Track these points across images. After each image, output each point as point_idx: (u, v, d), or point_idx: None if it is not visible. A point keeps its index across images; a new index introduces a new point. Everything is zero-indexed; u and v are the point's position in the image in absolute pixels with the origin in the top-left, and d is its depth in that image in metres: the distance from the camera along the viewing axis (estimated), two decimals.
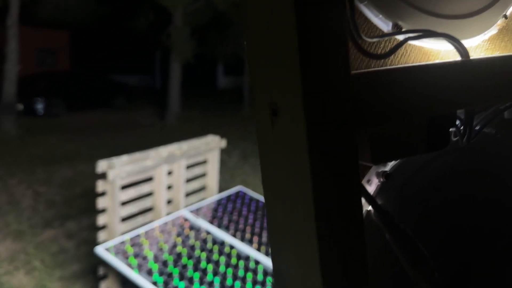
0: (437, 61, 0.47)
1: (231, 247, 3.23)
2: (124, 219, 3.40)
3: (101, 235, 3.18)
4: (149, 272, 2.79)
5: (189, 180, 4.02)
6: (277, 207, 0.40)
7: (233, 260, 3.09)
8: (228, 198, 4.01)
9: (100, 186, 3.10)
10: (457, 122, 0.51)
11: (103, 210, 3.18)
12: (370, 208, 0.46)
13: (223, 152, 8.02)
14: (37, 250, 4.33)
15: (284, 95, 0.35)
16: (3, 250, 4.33)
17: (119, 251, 2.92)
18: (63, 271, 3.92)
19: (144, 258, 2.92)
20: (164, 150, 3.53)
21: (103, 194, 3.17)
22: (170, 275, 2.81)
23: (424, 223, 0.51)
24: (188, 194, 4.05)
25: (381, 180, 0.50)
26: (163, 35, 12.97)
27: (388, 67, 0.44)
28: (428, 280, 0.44)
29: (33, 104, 13.16)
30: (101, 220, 3.14)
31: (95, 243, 3.38)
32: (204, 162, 4.15)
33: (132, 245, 3.01)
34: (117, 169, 3.09)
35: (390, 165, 0.53)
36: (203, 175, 4.17)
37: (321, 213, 0.35)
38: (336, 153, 0.35)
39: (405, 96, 0.40)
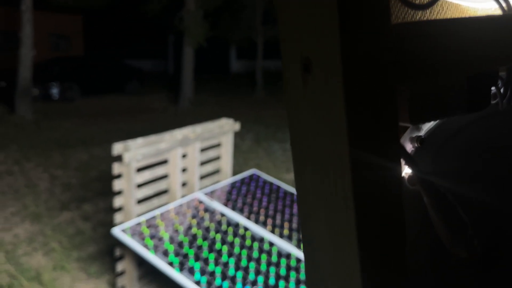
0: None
1: (246, 229, 3.24)
2: (140, 201, 3.43)
3: (118, 217, 3.21)
4: (165, 253, 2.82)
5: (203, 163, 4.03)
6: (308, 174, 0.37)
7: (248, 242, 3.10)
8: (242, 181, 4.01)
9: (116, 168, 3.12)
10: (499, 82, 0.49)
11: (119, 192, 3.21)
12: (404, 173, 0.45)
13: (237, 136, 8.02)
14: (54, 232, 4.40)
15: (319, 48, 0.32)
16: (22, 232, 4.41)
17: (136, 233, 2.95)
18: (80, 252, 3.99)
19: (160, 239, 2.94)
20: (179, 133, 3.53)
21: (119, 176, 3.19)
22: (185, 256, 2.83)
23: (459, 190, 0.49)
24: (202, 177, 4.06)
25: (415, 145, 0.48)
26: (176, 18, 12.92)
27: (428, 19, 0.41)
28: (467, 248, 0.42)
29: (48, 89, 13.29)
30: (117, 202, 3.16)
31: (111, 225, 3.42)
32: (218, 145, 4.15)
33: (148, 227, 3.03)
34: (133, 151, 3.10)
35: (424, 130, 0.51)
36: (217, 158, 4.18)
37: (359, 176, 0.32)
38: (375, 111, 0.32)
39: (445, 51, 0.37)
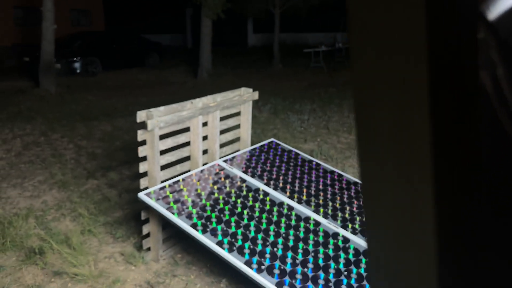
0: None
1: (265, 194, 3.35)
2: (163, 168, 3.55)
3: (142, 182, 3.33)
4: (189, 216, 2.94)
5: (223, 132, 4.12)
6: (370, 64, 0.31)
7: (267, 206, 3.21)
8: (261, 149, 4.10)
9: (140, 135, 3.23)
10: None
11: (144, 158, 3.33)
12: None
13: (254, 108, 8.05)
14: (81, 198, 4.58)
15: None
16: (50, 199, 4.60)
17: (160, 197, 3.08)
18: (106, 218, 4.16)
19: (184, 203, 3.06)
20: (199, 101, 3.62)
21: (143, 143, 3.31)
22: (208, 219, 2.95)
23: None
24: (222, 145, 4.16)
25: None
26: None
27: None
28: None
29: (71, 64, 13.51)
30: (142, 167, 3.29)
31: (136, 191, 3.55)
32: (237, 114, 4.22)
33: (172, 192, 3.16)
34: (155, 118, 3.20)
35: (494, 15, 0.44)
36: (236, 126, 4.26)
37: (436, 42, 0.28)
38: None
39: None
